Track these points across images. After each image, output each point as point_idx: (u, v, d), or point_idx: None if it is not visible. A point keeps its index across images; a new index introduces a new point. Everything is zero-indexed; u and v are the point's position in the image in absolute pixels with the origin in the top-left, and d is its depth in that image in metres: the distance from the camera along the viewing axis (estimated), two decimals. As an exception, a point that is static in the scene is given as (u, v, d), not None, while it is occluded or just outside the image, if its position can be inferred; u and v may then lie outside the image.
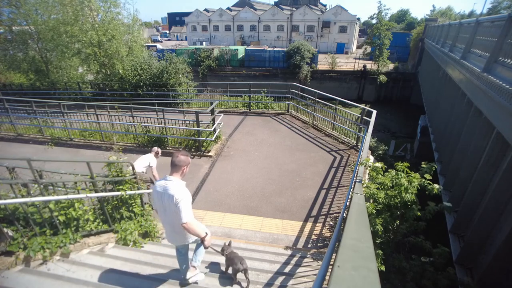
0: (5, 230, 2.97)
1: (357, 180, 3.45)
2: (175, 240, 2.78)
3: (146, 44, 22.46)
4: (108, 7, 15.31)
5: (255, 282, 3.20)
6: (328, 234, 5.00)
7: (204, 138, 8.21)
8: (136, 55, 16.56)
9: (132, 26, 16.62)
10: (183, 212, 2.45)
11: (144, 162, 5.44)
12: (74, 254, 3.44)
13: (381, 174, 4.11)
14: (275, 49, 31.48)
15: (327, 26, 46.34)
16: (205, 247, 2.68)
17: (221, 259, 3.85)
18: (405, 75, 27.86)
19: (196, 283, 2.97)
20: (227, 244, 3.34)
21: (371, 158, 8.14)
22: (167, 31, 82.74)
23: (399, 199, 3.74)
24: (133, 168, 4.36)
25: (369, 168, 4.55)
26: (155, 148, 5.78)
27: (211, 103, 8.42)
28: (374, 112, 7.37)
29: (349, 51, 45.75)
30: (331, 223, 5.32)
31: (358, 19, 54.61)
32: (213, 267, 3.55)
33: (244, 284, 3.02)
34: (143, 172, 5.31)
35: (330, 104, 9.55)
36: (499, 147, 5.72)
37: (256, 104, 12.35)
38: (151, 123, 8.54)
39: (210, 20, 53.07)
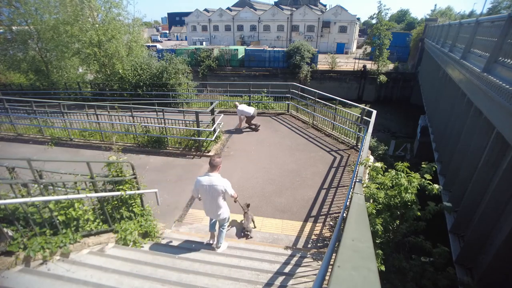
0: (5, 230, 2.97)
1: (357, 180, 3.45)
2: (214, 216, 4.05)
3: (146, 44, 22.47)
4: (109, 7, 15.30)
5: (255, 282, 3.20)
6: (328, 234, 5.00)
7: (204, 138, 8.21)
8: (136, 55, 16.55)
9: (132, 26, 16.61)
10: (229, 191, 3.85)
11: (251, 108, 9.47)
12: (74, 254, 3.43)
13: (381, 174, 4.11)
14: (275, 49, 31.49)
15: (327, 26, 46.36)
16: (235, 201, 4.47)
17: (222, 260, 3.87)
18: (405, 75, 27.86)
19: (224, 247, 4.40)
20: (246, 204, 5.12)
21: (371, 158, 8.14)
22: (167, 31, 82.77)
23: (399, 199, 3.73)
24: (133, 168, 4.35)
25: (369, 168, 4.55)
26: (237, 103, 9.72)
27: (211, 103, 8.42)
28: (374, 112, 7.36)
29: (349, 51, 45.76)
30: (331, 223, 5.32)
31: (358, 19, 54.63)
32: (214, 267, 3.55)
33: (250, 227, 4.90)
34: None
35: (330, 104, 9.55)
36: (499, 147, 5.72)
37: (256, 104, 12.35)
38: (151, 123, 8.55)
39: (210, 20, 53.08)
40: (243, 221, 4.96)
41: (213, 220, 4.26)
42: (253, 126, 9.65)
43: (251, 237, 4.83)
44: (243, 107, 9.39)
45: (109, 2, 15.14)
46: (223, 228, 4.25)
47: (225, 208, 4.00)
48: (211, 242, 4.43)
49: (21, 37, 15.66)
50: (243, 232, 4.92)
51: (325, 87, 23.84)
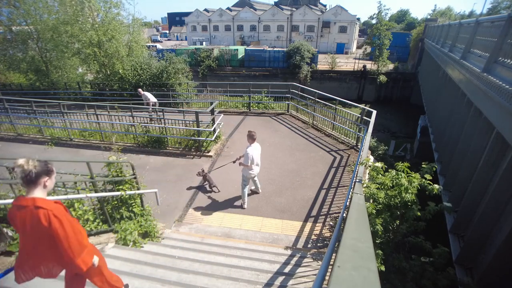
0: (5, 230, 2.97)
1: (357, 180, 3.45)
2: (258, 171, 5.53)
3: (146, 44, 22.46)
4: (109, 7, 15.29)
5: (254, 282, 3.20)
6: (328, 234, 5.00)
7: (204, 138, 8.21)
8: (136, 55, 16.54)
9: (132, 26, 16.60)
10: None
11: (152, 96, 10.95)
12: (74, 254, 3.43)
13: (381, 174, 4.10)
14: (275, 49, 31.47)
15: (327, 26, 46.35)
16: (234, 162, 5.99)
17: (222, 260, 3.86)
18: (405, 75, 27.85)
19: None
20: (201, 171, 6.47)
21: (371, 158, 8.14)
22: (167, 31, 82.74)
23: (399, 199, 3.73)
24: (133, 168, 4.35)
25: (369, 168, 4.55)
26: (140, 90, 11.19)
27: (211, 103, 8.42)
28: (374, 112, 7.37)
29: (349, 51, 45.75)
30: (331, 223, 5.32)
31: (358, 19, 54.63)
32: (214, 267, 3.55)
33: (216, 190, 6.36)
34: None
35: (330, 104, 9.55)
36: (499, 147, 5.72)
37: (256, 104, 12.35)
38: (151, 123, 8.54)
39: (210, 20, 53.07)
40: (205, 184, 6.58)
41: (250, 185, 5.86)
42: (153, 108, 11.04)
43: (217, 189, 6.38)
44: (148, 94, 11.03)
45: (109, 2, 15.13)
46: (245, 194, 5.65)
47: None
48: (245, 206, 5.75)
49: (21, 37, 15.63)
50: (211, 187, 6.39)
51: (325, 87, 23.82)
